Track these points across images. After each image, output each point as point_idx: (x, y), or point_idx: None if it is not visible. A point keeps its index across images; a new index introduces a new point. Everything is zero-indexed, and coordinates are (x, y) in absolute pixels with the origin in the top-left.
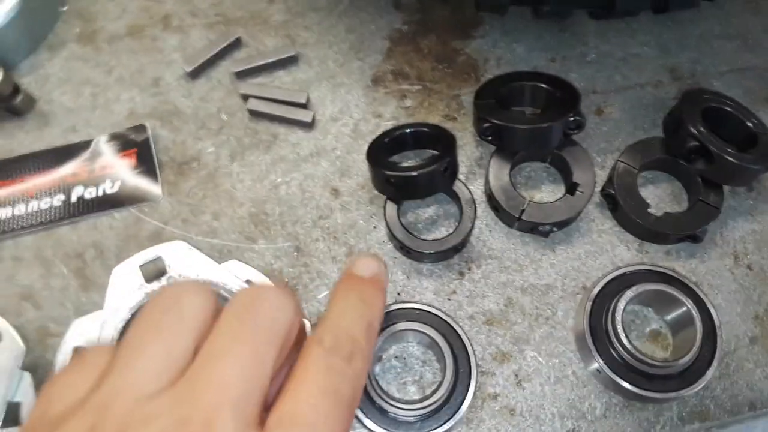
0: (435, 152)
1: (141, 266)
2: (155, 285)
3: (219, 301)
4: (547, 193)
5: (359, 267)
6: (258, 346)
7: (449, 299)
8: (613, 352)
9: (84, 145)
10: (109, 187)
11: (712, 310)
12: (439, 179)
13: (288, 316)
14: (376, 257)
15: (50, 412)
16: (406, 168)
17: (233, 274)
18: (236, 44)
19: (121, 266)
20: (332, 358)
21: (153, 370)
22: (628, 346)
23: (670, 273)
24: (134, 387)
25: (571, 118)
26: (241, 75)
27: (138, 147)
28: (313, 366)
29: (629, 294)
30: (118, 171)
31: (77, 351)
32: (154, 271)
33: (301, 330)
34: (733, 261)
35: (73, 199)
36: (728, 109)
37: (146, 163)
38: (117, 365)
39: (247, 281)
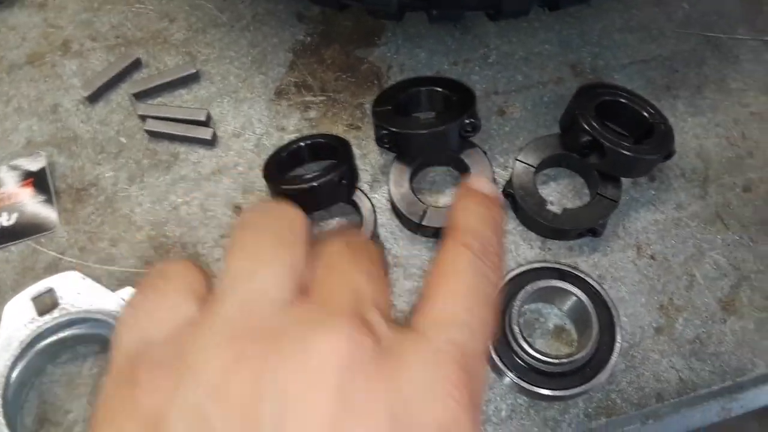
0: (333, 163)
1: (33, 299)
2: (47, 318)
3: (110, 330)
4: (451, 197)
5: (481, 185)
6: (375, 263)
7: None
8: (513, 354)
9: None
10: (5, 220)
11: (609, 302)
12: (336, 190)
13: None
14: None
15: (153, 341)
16: (301, 180)
17: None
18: (136, 65)
19: (12, 301)
20: (480, 263)
21: (282, 282)
22: (525, 346)
23: (564, 268)
24: (270, 294)
25: (467, 121)
26: (141, 96)
27: (34, 177)
28: (464, 268)
29: (522, 294)
30: (15, 203)
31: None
32: (49, 304)
33: None
34: (635, 252)
35: None
36: (623, 101)
37: (43, 193)
38: (237, 276)
39: None
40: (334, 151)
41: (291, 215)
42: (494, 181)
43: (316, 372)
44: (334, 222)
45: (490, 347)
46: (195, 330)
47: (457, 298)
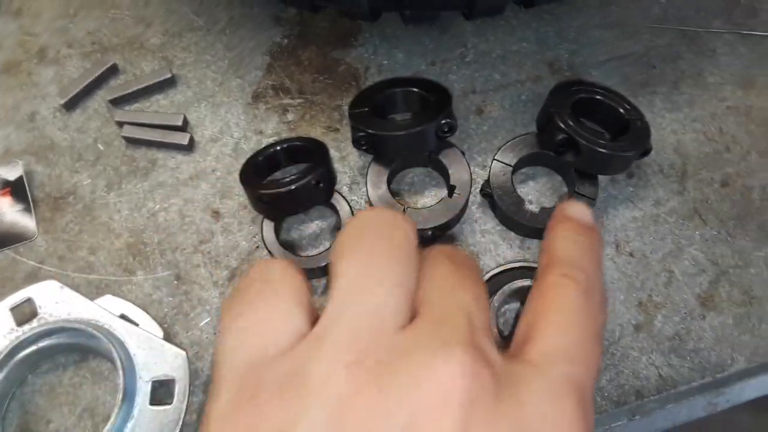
0: (310, 165)
1: (12, 309)
2: (26, 328)
3: (91, 339)
4: (431, 198)
5: (578, 212)
6: (480, 285)
7: None
8: None
9: None
10: None
11: None
12: (314, 193)
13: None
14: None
15: (268, 355)
16: (278, 184)
17: (107, 310)
18: (112, 71)
19: None
20: (589, 301)
21: (395, 303)
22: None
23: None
24: (382, 316)
25: (443, 121)
26: (118, 102)
27: (12, 186)
28: (573, 304)
29: (500, 294)
30: None
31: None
32: (29, 313)
33: None
34: (614, 250)
35: None
36: (599, 98)
37: (21, 202)
38: (348, 299)
39: (122, 316)
40: (310, 154)
41: (405, 226)
42: (472, 180)
43: (441, 402)
44: (314, 225)
45: None
46: (312, 347)
47: (568, 332)
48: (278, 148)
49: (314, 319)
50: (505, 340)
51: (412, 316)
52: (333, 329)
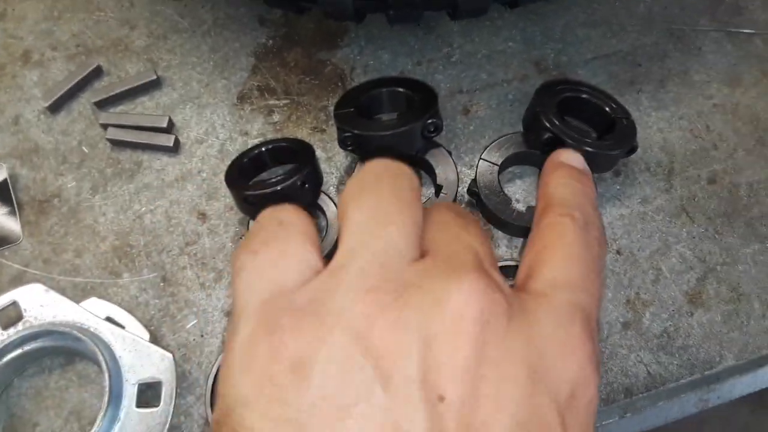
0: (295, 166)
1: None
2: (11, 331)
3: (76, 342)
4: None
5: (573, 159)
6: (479, 228)
7: None
8: None
9: None
10: None
11: None
12: (300, 193)
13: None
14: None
15: (286, 288)
16: (263, 185)
17: (92, 313)
18: (96, 73)
19: None
20: (586, 235)
21: (408, 240)
22: None
23: None
24: (399, 250)
25: (429, 121)
26: (102, 104)
27: None
28: (574, 239)
29: None
30: None
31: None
32: (14, 317)
33: None
34: None
35: None
36: (584, 96)
37: (5, 205)
38: (368, 232)
39: (108, 318)
40: (296, 155)
41: (408, 174)
42: (459, 180)
43: (456, 323)
44: None
45: None
46: (330, 279)
47: (571, 265)
48: (263, 149)
49: (324, 260)
50: None
51: (421, 256)
52: (349, 263)
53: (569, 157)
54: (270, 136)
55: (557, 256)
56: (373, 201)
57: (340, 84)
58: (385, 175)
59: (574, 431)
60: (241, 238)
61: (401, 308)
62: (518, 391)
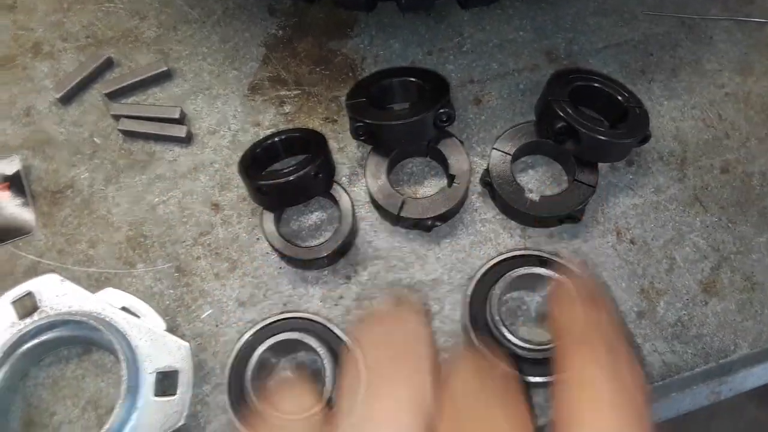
0: (308, 156)
1: (13, 303)
2: (28, 321)
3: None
4: (431, 187)
5: (572, 282)
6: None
7: (337, 305)
8: (496, 342)
9: None
10: None
11: None
12: (313, 183)
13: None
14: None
15: None
16: (276, 175)
17: (108, 303)
18: (107, 65)
19: None
20: (610, 370)
21: (407, 424)
22: (507, 333)
23: (544, 255)
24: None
25: (441, 111)
26: (114, 95)
27: (10, 180)
28: (601, 385)
29: (502, 282)
30: None
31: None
32: (30, 307)
33: None
34: (615, 237)
35: None
36: (597, 85)
37: (19, 196)
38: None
39: (124, 308)
40: (309, 145)
41: (415, 332)
42: (471, 170)
43: None
44: (314, 216)
45: (473, 334)
46: None
47: (603, 419)
48: (276, 139)
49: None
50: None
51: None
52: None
53: (575, 281)
54: (282, 127)
55: (589, 416)
56: (374, 381)
57: (350, 74)
58: (385, 341)
59: None
60: (254, 229)
61: None
62: None
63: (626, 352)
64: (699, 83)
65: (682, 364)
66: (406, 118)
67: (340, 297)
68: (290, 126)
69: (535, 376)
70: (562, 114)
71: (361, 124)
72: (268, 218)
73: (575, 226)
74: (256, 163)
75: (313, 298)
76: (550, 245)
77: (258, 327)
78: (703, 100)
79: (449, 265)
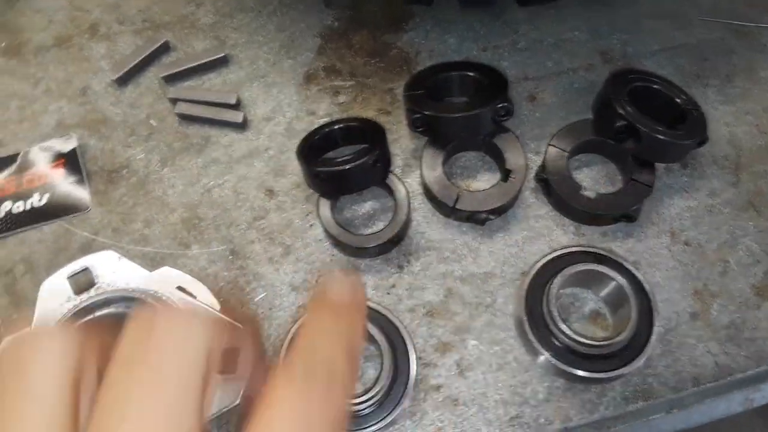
0: (366, 146)
1: (69, 278)
2: (84, 296)
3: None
4: (484, 181)
5: (333, 290)
6: (167, 394)
7: (388, 293)
8: (551, 336)
9: (10, 159)
10: (37, 201)
11: (647, 286)
12: (370, 172)
13: (197, 341)
14: (350, 276)
15: None
16: (336, 163)
17: (166, 282)
18: (164, 49)
19: (49, 280)
20: (304, 385)
21: None
22: (564, 327)
23: (602, 253)
24: None
25: (500, 105)
26: (170, 79)
27: (66, 158)
28: (281, 397)
29: (560, 276)
30: (46, 183)
31: None
32: (85, 283)
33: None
34: (670, 238)
35: (1, 214)
36: (656, 87)
37: (74, 174)
38: None
39: (179, 288)
40: (366, 135)
41: (40, 363)
42: (526, 166)
43: None
44: (367, 206)
45: (528, 327)
46: None
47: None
48: (336, 127)
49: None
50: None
51: None
52: None
53: (336, 289)
54: (336, 117)
55: (258, 421)
56: None
57: (405, 67)
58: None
59: None
60: (307, 215)
61: None
62: None
63: (334, 373)
64: (753, 90)
65: (735, 366)
66: (466, 111)
67: (392, 286)
68: (345, 116)
69: (588, 371)
70: (623, 113)
71: (420, 115)
72: (325, 205)
73: (629, 225)
74: (313, 150)
75: (366, 286)
76: (604, 243)
77: None
78: (757, 107)
79: (502, 259)
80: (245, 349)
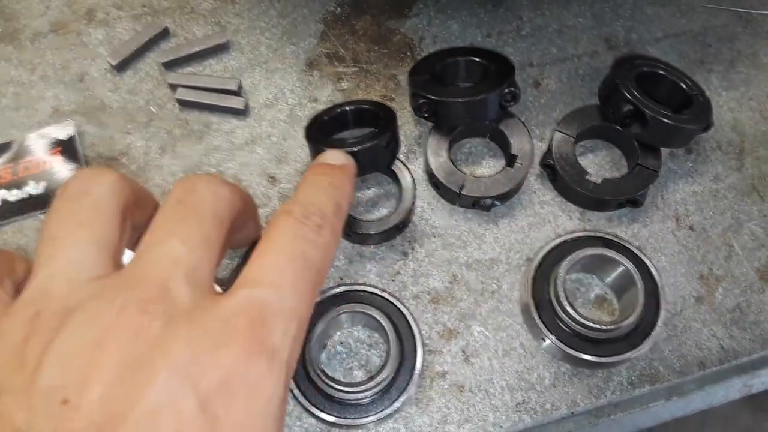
0: (375, 130)
1: None
2: None
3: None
4: (488, 167)
5: (328, 157)
6: (203, 224)
7: (393, 280)
8: (558, 320)
9: (5, 147)
10: (33, 189)
11: (653, 270)
12: (382, 155)
13: (227, 196)
14: (344, 153)
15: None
16: (347, 144)
17: None
18: (164, 34)
19: None
20: (300, 226)
21: (82, 259)
22: (571, 311)
23: (609, 237)
24: (68, 274)
25: (506, 90)
26: (170, 65)
27: (63, 145)
28: (280, 233)
29: (568, 261)
30: (43, 171)
31: None
32: None
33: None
34: (675, 223)
35: None
36: (661, 72)
37: (72, 161)
38: (39, 262)
39: None
40: (377, 119)
41: (100, 185)
42: (532, 151)
43: (97, 341)
44: (370, 192)
45: (535, 313)
46: (3, 311)
47: (266, 259)
48: (347, 108)
49: (117, 256)
50: None
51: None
52: (21, 297)
53: (327, 156)
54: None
55: (256, 254)
56: (51, 224)
57: (408, 53)
58: (67, 192)
59: (228, 418)
60: None
61: (53, 333)
62: (157, 386)
63: (331, 226)
64: (756, 76)
65: (741, 350)
66: (472, 96)
67: (396, 273)
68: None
69: (596, 355)
70: (629, 97)
71: (425, 100)
72: None
73: (634, 210)
74: (321, 131)
75: (370, 273)
76: (609, 229)
77: (317, 299)
78: (760, 93)
79: (507, 245)
80: (253, 215)
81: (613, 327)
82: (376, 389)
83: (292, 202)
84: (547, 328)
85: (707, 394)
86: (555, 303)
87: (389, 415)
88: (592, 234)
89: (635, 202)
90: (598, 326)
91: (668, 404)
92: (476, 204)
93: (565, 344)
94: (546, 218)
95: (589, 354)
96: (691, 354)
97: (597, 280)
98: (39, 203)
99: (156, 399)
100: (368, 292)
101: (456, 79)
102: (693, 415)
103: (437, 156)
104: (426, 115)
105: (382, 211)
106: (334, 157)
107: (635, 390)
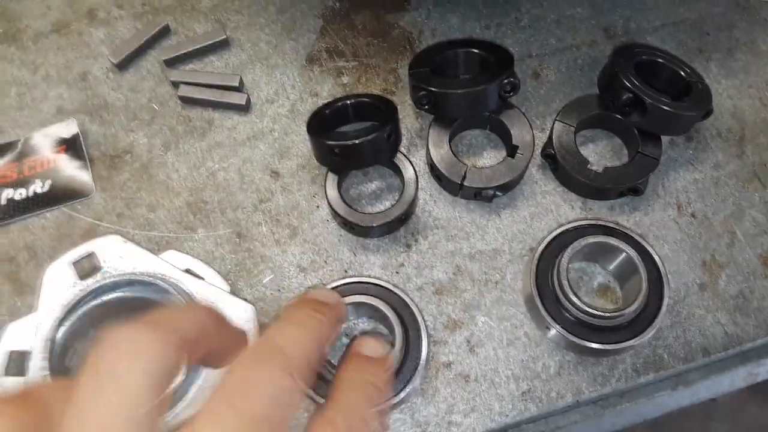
0: (375, 123)
1: (74, 263)
2: (90, 281)
3: (159, 293)
4: (489, 158)
5: (367, 348)
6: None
7: (397, 272)
8: (561, 309)
9: (10, 146)
10: (39, 187)
11: (656, 257)
12: (384, 147)
13: (289, 398)
14: (382, 339)
15: None
16: (350, 136)
17: (172, 265)
18: (165, 32)
19: (53, 265)
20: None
21: None
22: (575, 300)
23: (611, 225)
24: None
25: (506, 81)
26: (171, 63)
27: (67, 144)
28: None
29: (570, 250)
30: (48, 170)
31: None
32: (89, 268)
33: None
34: (676, 211)
35: (2, 201)
36: (660, 60)
37: (77, 160)
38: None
39: (187, 270)
40: (378, 112)
41: (132, 363)
42: (533, 141)
43: None
44: (373, 185)
45: (539, 302)
46: None
47: None
48: (348, 102)
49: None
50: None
51: None
52: None
53: (370, 348)
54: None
55: None
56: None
57: (408, 47)
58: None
59: None
60: (314, 197)
61: None
62: None
63: (367, 422)
64: (755, 63)
65: (744, 336)
66: (472, 87)
67: (400, 265)
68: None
69: (599, 343)
70: (629, 85)
71: (425, 92)
72: (332, 183)
73: (636, 199)
74: (323, 124)
75: (374, 266)
76: (611, 217)
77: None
78: (759, 80)
79: (510, 236)
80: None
81: (616, 314)
82: None
83: (334, 409)
84: (551, 317)
85: (713, 383)
86: (558, 292)
87: (395, 406)
88: (594, 222)
89: (636, 191)
90: (601, 314)
91: (674, 394)
92: (478, 195)
93: (569, 333)
94: (548, 208)
95: (593, 342)
96: (695, 340)
97: (600, 269)
98: (44, 202)
99: None
100: (373, 284)
101: (456, 70)
102: (699, 408)
103: (438, 147)
104: (426, 107)
105: (385, 204)
106: (374, 348)
107: (640, 377)
